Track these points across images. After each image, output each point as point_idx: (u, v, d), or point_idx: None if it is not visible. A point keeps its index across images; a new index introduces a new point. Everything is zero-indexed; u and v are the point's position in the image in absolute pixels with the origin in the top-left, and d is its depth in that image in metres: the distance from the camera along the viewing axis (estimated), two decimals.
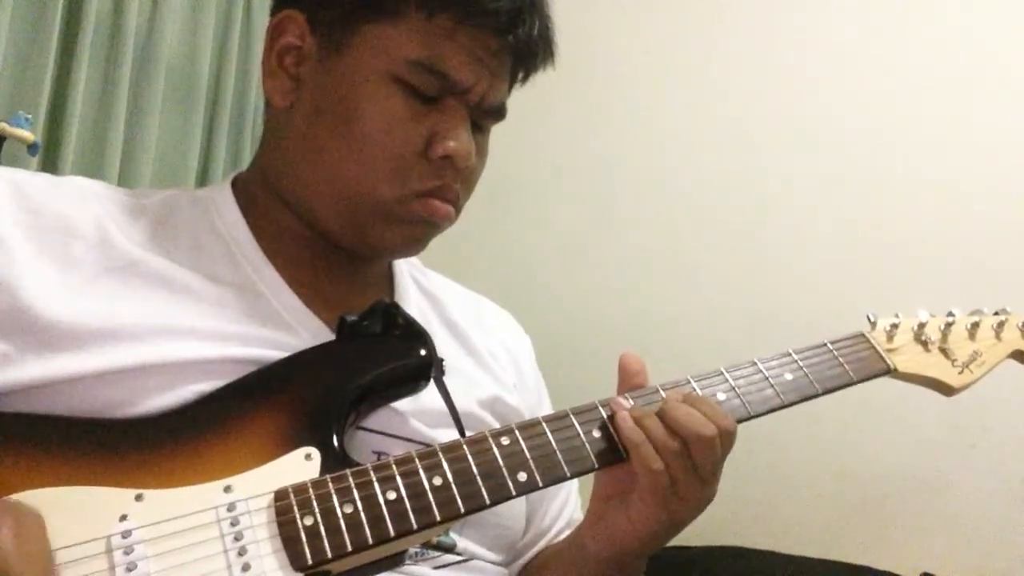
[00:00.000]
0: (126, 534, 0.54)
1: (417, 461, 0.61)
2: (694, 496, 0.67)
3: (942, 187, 1.80)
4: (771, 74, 2.00)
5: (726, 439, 0.67)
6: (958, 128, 1.81)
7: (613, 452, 0.67)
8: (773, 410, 0.73)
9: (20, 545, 0.48)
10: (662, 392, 0.71)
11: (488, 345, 0.89)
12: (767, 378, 0.74)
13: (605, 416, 0.68)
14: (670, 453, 0.65)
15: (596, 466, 0.66)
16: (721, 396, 0.72)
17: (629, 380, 0.72)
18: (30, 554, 0.49)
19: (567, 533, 0.89)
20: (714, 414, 0.67)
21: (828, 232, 1.88)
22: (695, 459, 0.65)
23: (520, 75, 0.81)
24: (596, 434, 0.67)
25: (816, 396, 0.75)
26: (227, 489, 0.58)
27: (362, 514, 0.58)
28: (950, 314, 0.86)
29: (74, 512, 0.53)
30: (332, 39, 0.74)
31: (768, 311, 1.84)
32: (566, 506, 0.91)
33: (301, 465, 0.60)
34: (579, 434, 0.67)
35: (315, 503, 0.58)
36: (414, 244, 0.79)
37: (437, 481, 0.61)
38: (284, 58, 0.76)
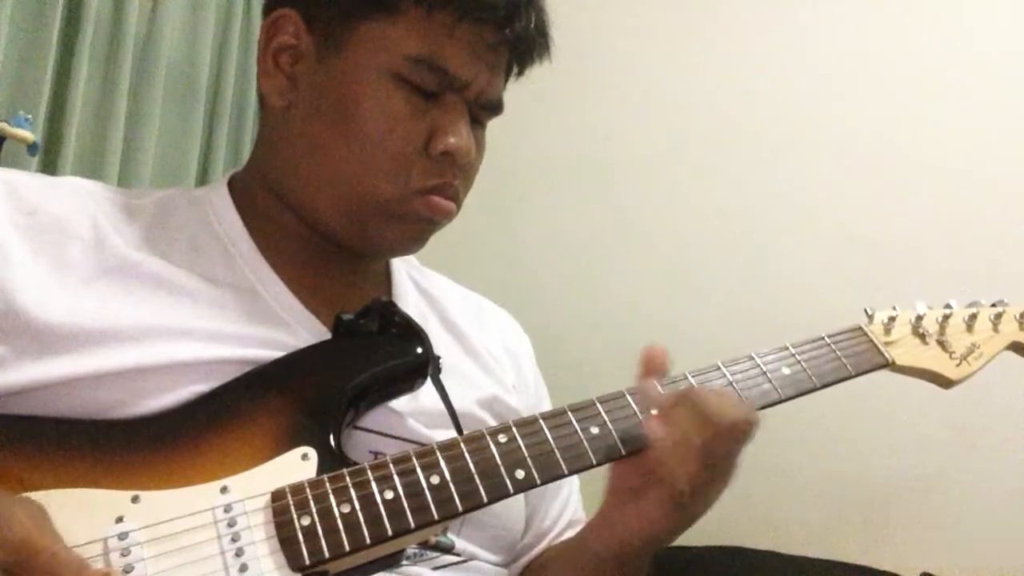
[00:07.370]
0: (123, 536, 0.54)
1: (415, 460, 0.61)
2: (710, 494, 0.65)
3: (941, 185, 1.80)
4: (771, 74, 2.00)
5: (750, 430, 0.64)
6: (956, 126, 1.81)
7: (611, 449, 0.66)
8: (771, 404, 0.72)
9: (40, 527, 0.49)
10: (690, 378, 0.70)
11: (487, 345, 0.88)
12: (764, 372, 0.73)
13: (603, 413, 0.68)
14: (697, 450, 0.62)
15: (594, 463, 0.66)
16: None
17: (652, 372, 0.70)
18: (53, 534, 0.50)
19: (569, 534, 0.88)
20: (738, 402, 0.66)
21: (828, 231, 1.88)
22: (719, 450, 0.63)
23: (515, 69, 0.81)
24: (594, 431, 0.67)
25: (814, 390, 0.75)
26: (224, 490, 0.58)
27: (359, 514, 0.58)
28: (947, 306, 0.85)
29: (71, 514, 0.53)
30: (329, 37, 0.74)
31: (768, 310, 1.84)
32: (567, 507, 0.91)
33: (298, 465, 0.60)
34: (577, 431, 0.66)
35: (312, 503, 0.57)
36: (415, 241, 0.79)
37: (435, 480, 0.60)
38: (280, 57, 0.76)
